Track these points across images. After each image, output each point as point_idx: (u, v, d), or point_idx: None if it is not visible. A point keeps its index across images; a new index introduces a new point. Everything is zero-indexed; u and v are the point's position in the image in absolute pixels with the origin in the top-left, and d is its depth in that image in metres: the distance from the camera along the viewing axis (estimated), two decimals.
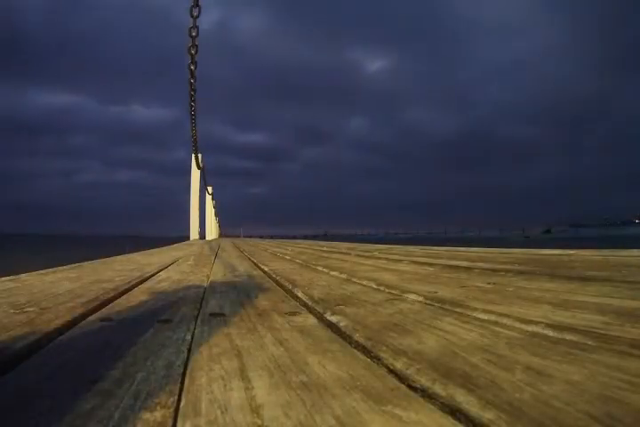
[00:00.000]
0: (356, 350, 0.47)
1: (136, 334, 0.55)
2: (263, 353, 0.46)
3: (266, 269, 1.59)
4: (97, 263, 1.96)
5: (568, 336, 0.48)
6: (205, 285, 1.13)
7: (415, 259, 1.88)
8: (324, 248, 3.51)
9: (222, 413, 0.31)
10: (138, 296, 0.91)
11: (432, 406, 0.31)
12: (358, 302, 0.77)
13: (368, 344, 0.49)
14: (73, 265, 1.81)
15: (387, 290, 0.93)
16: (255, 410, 0.31)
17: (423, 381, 0.36)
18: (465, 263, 1.53)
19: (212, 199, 14.58)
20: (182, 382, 0.38)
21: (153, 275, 1.41)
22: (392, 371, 0.40)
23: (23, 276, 1.34)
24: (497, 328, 0.54)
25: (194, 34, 2.10)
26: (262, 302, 0.82)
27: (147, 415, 0.31)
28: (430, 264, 1.57)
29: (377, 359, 0.44)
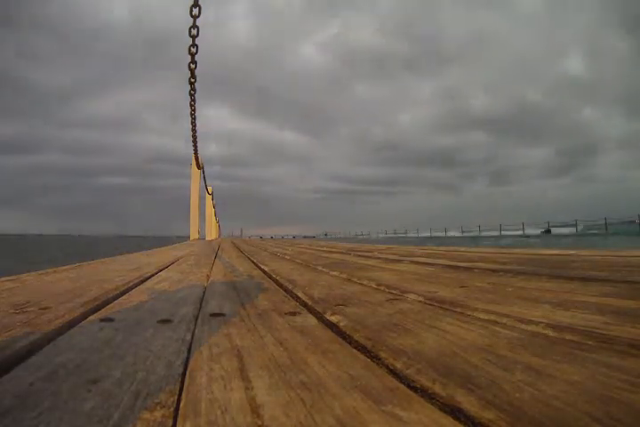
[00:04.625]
0: (355, 350, 0.47)
1: (136, 334, 0.55)
2: (263, 353, 0.46)
3: (266, 269, 1.59)
4: (97, 263, 1.96)
5: (568, 336, 0.48)
6: (205, 285, 1.13)
7: (415, 259, 1.88)
8: (324, 248, 3.52)
9: (222, 413, 0.31)
10: (138, 296, 0.91)
11: (432, 406, 0.31)
12: (358, 302, 0.77)
13: (368, 344, 0.49)
14: (73, 265, 1.81)
15: (387, 290, 0.93)
16: (255, 410, 0.31)
17: (423, 381, 0.36)
18: (465, 263, 1.53)
19: (212, 199, 14.59)
20: (182, 382, 0.37)
21: (153, 275, 1.41)
22: (392, 371, 0.40)
23: (23, 276, 1.34)
24: (497, 328, 0.54)
25: (194, 33, 2.12)
26: (262, 302, 0.82)
27: (147, 415, 0.31)
28: (430, 264, 1.57)
29: (377, 359, 0.44)
